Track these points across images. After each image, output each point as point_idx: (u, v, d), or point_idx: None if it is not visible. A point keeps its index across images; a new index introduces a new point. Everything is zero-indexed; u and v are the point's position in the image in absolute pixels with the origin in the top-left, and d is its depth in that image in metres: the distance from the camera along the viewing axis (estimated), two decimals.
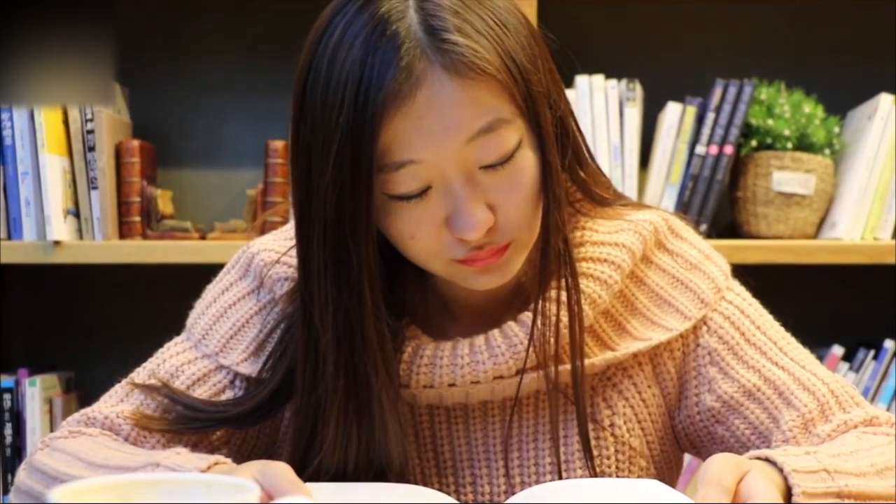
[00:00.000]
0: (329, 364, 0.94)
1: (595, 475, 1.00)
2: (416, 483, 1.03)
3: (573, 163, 1.00)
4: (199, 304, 1.09)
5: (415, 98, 0.87)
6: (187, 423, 1.01)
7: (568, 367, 0.99)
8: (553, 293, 0.98)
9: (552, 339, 0.97)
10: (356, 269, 0.90)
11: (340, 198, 0.88)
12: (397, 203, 0.91)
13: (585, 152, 1.02)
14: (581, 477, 1.01)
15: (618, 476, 1.02)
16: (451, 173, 0.89)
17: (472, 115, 0.88)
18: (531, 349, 0.97)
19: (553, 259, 0.95)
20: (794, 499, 0.82)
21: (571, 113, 0.99)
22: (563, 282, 0.97)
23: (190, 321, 1.08)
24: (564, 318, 0.97)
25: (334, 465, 0.95)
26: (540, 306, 0.97)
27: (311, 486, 0.85)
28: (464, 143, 0.88)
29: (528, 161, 0.91)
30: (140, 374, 1.06)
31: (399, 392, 0.97)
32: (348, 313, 0.92)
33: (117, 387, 1.06)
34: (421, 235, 0.92)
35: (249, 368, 1.03)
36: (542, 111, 0.91)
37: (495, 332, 0.99)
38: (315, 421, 0.96)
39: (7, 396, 1.93)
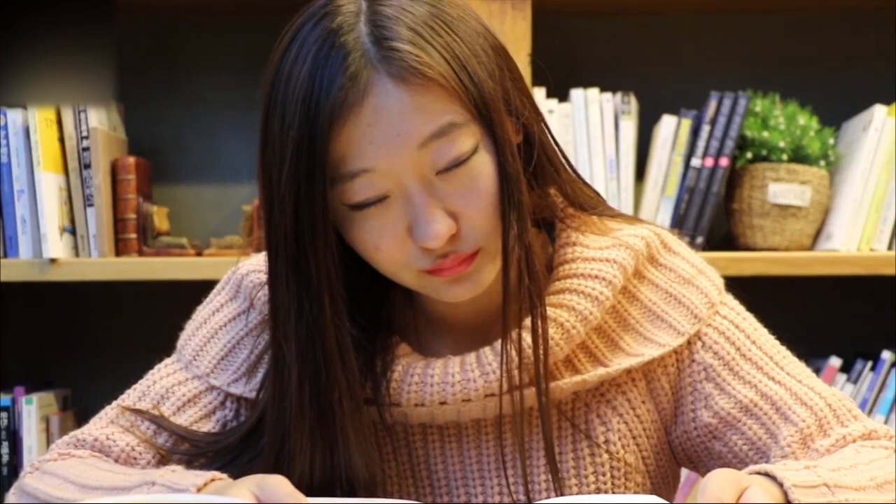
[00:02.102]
0: (294, 374, 0.94)
1: (562, 493, 1.00)
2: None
3: (549, 170, 1.00)
4: (190, 325, 1.09)
5: (362, 107, 0.88)
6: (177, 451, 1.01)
7: (557, 383, 0.99)
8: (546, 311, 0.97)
9: (521, 358, 0.96)
10: (315, 280, 0.91)
11: (297, 209, 0.89)
12: (358, 213, 0.91)
13: (562, 161, 1.02)
14: (576, 494, 1.01)
15: (614, 492, 1.02)
16: (408, 181, 0.90)
17: (422, 121, 0.88)
18: (514, 369, 0.97)
19: (514, 266, 0.94)
20: None
21: (542, 122, 0.99)
22: (537, 299, 0.96)
23: (180, 342, 1.08)
24: (551, 331, 0.97)
25: (304, 479, 0.95)
26: (511, 325, 0.96)
27: (311, 500, 0.84)
28: (416, 150, 0.89)
29: (485, 166, 0.91)
30: (130, 396, 1.06)
31: (361, 403, 0.97)
32: (309, 323, 0.93)
33: (107, 408, 1.06)
34: (385, 246, 0.92)
35: (240, 389, 1.03)
36: (496, 117, 0.91)
37: (486, 349, 0.99)
38: (284, 432, 0.96)
39: (3, 415, 1.93)
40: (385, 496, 1.02)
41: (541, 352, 0.96)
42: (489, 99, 0.91)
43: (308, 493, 0.85)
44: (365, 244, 0.93)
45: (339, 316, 0.93)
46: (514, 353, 0.97)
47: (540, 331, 0.96)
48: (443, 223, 0.90)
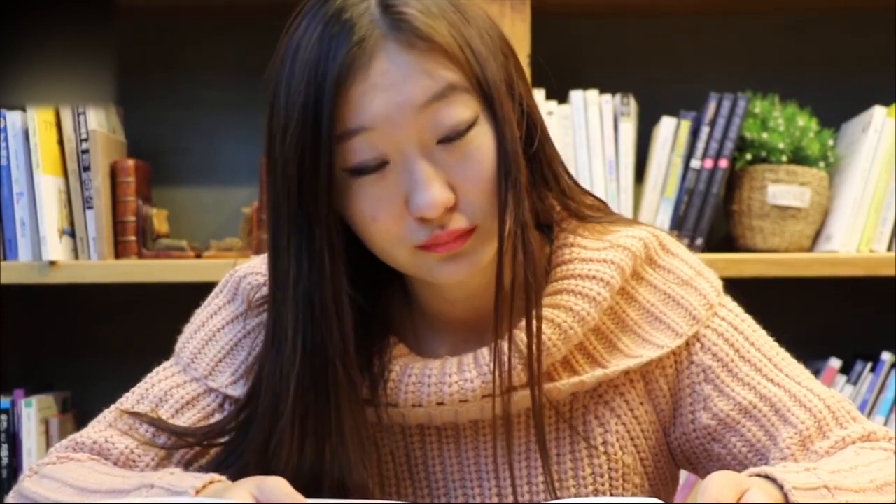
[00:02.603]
0: (289, 340, 0.94)
1: (559, 496, 1.00)
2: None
3: (548, 172, 1.01)
4: (188, 329, 1.09)
5: (369, 70, 0.89)
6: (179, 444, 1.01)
7: (554, 384, 0.99)
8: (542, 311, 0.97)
9: (520, 359, 0.96)
10: (318, 242, 0.92)
11: (302, 173, 0.90)
12: (357, 180, 0.92)
13: (560, 167, 1.02)
14: (574, 496, 1.01)
15: (612, 494, 1.02)
16: (408, 147, 0.90)
17: (425, 85, 0.90)
18: (507, 370, 0.97)
19: (510, 247, 0.94)
20: None
21: (536, 113, 1.00)
22: (532, 277, 0.96)
23: (179, 345, 1.08)
24: (548, 332, 0.97)
25: (292, 464, 0.94)
26: (507, 325, 0.96)
27: (310, 502, 0.84)
28: (417, 112, 0.90)
29: (484, 140, 0.92)
30: (129, 399, 1.06)
31: (356, 372, 0.97)
32: (308, 283, 0.93)
33: (106, 412, 1.06)
34: (382, 216, 0.92)
35: (239, 391, 1.03)
36: (497, 94, 0.92)
37: (483, 350, 0.99)
38: (275, 414, 0.95)
39: (3, 417, 1.93)
40: (383, 497, 1.02)
41: (534, 345, 0.96)
42: (491, 77, 0.92)
43: (295, 485, 0.85)
44: (363, 214, 0.93)
45: (338, 275, 0.93)
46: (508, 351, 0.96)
47: (534, 323, 0.96)
48: (440, 191, 0.90)
